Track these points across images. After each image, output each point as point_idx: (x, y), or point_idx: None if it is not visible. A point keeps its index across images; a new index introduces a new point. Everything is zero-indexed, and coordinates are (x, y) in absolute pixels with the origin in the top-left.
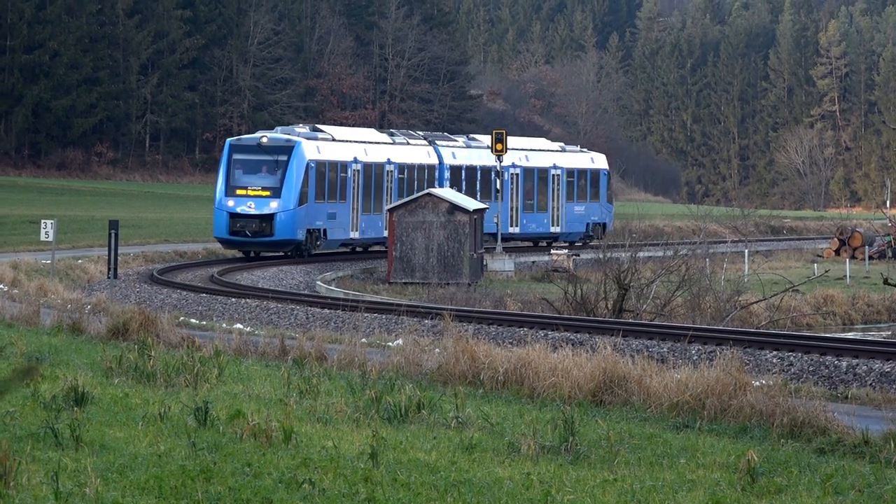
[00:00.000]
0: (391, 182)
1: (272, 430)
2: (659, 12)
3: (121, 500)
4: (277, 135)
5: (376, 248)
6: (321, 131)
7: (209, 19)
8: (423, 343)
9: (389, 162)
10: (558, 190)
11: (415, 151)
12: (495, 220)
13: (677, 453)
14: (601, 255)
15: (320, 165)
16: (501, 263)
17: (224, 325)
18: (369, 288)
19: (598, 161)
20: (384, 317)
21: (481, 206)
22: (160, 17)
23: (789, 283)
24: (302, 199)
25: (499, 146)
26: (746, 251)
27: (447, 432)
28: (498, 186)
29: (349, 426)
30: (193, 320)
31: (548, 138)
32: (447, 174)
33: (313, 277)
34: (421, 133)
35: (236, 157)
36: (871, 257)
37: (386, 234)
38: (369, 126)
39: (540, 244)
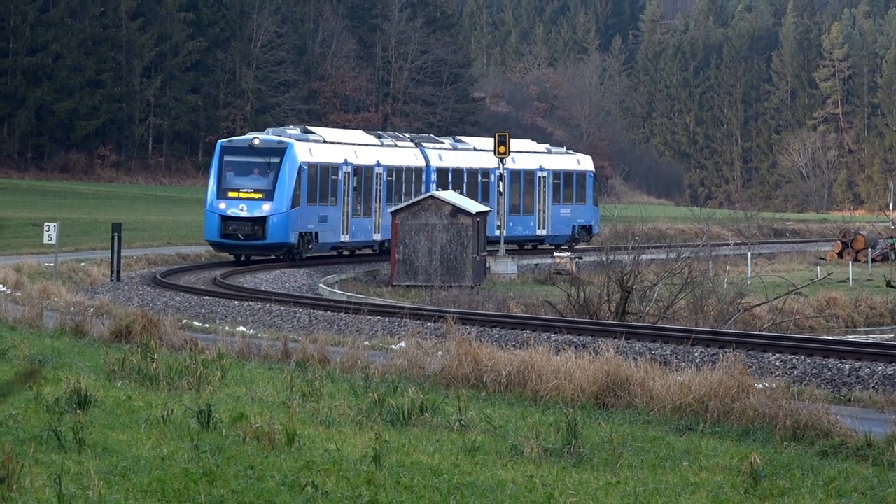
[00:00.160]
0: (380, 185)
1: (275, 432)
2: (662, 15)
3: (124, 503)
4: (269, 136)
5: (365, 251)
6: (312, 133)
7: (212, 22)
8: (425, 346)
9: (378, 164)
10: (544, 192)
11: (402, 153)
12: (498, 223)
13: (680, 456)
14: (604, 258)
15: (312, 167)
16: (504, 266)
17: (227, 327)
18: (372, 291)
19: (584, 163)
20: (387, 319)
21: (484, 208)
22: (163, 19)
23: (792, 286)
24: (295, 201)
25: (501, 149)
26: (749, 254)
27: (450, 435)
28: (500, 189)
29: (352, 429)
30: (196, 323)
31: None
32: (434, 176)
33: (316, 280)
34: (408, 135)
35: (227, 158)
36: (873, 260)
37: (375, 237)
38: (373, 129)
39: (525, 247)
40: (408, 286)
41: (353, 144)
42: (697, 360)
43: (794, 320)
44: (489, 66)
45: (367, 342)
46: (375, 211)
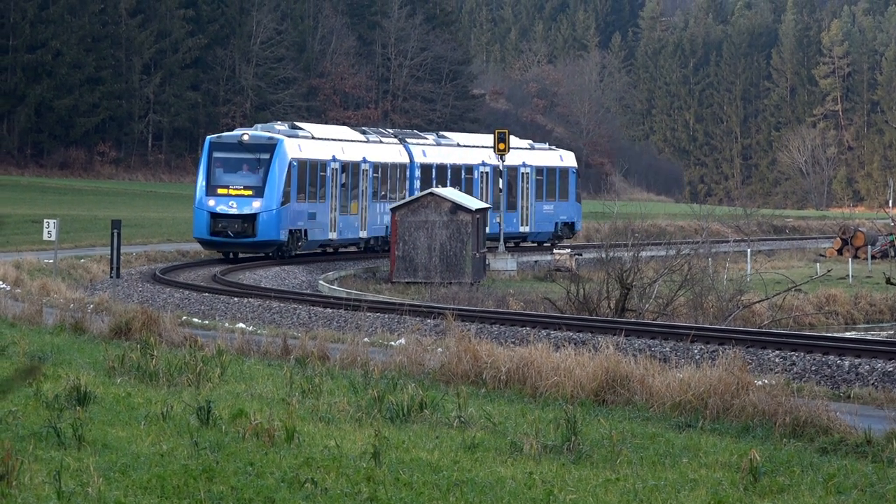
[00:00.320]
0: (366, 181)
1: (275, 429)
2: (661, 12)
3: (123, 500)
4: (259, 133)
5: (350, 248)
6: (301, 129)
7: (212, 19)
8: (425, 342)
9: (365, 161)
10: (528, 188)
11: (387, 150)
12: (497, 220)
13: (680, 453)
14: (604, 255)
15: (302, 164)
16: (504, 263)
17: (226, 324)
18: (372, 287)
19: (567, 159)
20: (387, 316)
21: (484, 205)
22: (163, 16)
23: (792, 283)
24: (285, 198)
25: (501, 146)
26: (749, 251)
27: (450, 432)
28: (501, 186)
29: (352, 425)
30: (196, 320)
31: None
32: (417, 172)
33: (315, 277)
34: (391, 131)
35: (217, 154)
36: (873, 257)
37: (361, 234)
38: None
39: (507, 244)
40: (407, 283)
41: (341, 140)
42: (697, 357)
43: (793, 317)
44: (489, 63)
45: (366, 339)
46: (362, 208)
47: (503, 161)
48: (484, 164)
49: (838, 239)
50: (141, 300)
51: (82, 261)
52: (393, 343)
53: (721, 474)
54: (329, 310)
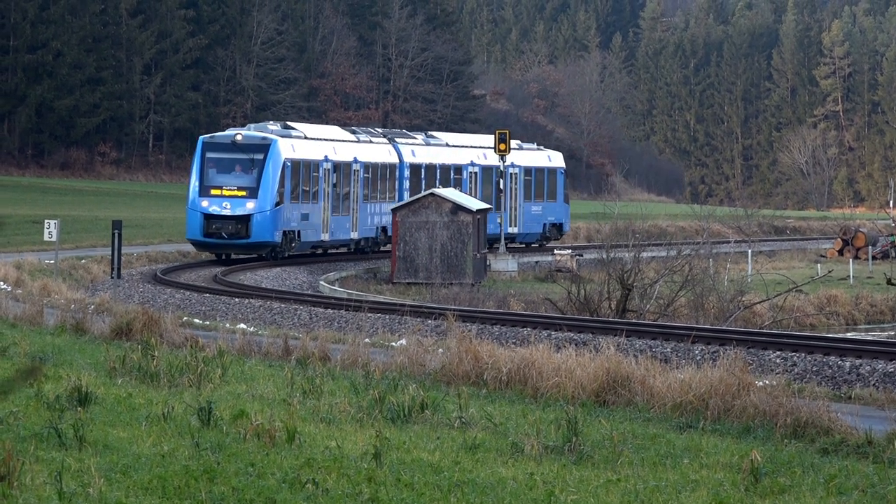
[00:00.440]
0: (357, 181)
1: (276, 430)
2: (662, 12)
3: (124, 501)
4: (252, 133)
5: (341, 249)
6: (293, 129)
7: (212, 19)
8: (426, 343)
9: (356, 161)
10: (516, 189)
11: (377, 150)
12: (499, 220)
13: (681, 453)
14: (605, 256)
15: (295, 164)
16: (505, 263)
17: (227, 325)
18: (373, 288)
19: (555, 159)
20: (388, 317)
21: (485, 206)
22: (163, 16)
23: (792, 284)
24: (279, 199)
25: (502, 146)
26: (750, 251)
27: (451, 432)
28: (501, 186)
29: (353, 426)
30: (197, 320)
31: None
32: (407, 172)
33: (316, 277)
34: (380, 130)
35: (209, 155)
36: (874, 257)
37: (352, 235)
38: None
39: (495, 245)
40: (408, 284)
41: (333, 140)
42: (698, 358)
43: (794, 318)
44: (489, 64)
45: (367, 339)
46: (354, 209)
47: (504, 162)
48: (473, 164)
49: (839, 239)
50: (142, 301)
51: (83, 261)
52: (394, 344)
53: (722, 475)
54: (330, 310)
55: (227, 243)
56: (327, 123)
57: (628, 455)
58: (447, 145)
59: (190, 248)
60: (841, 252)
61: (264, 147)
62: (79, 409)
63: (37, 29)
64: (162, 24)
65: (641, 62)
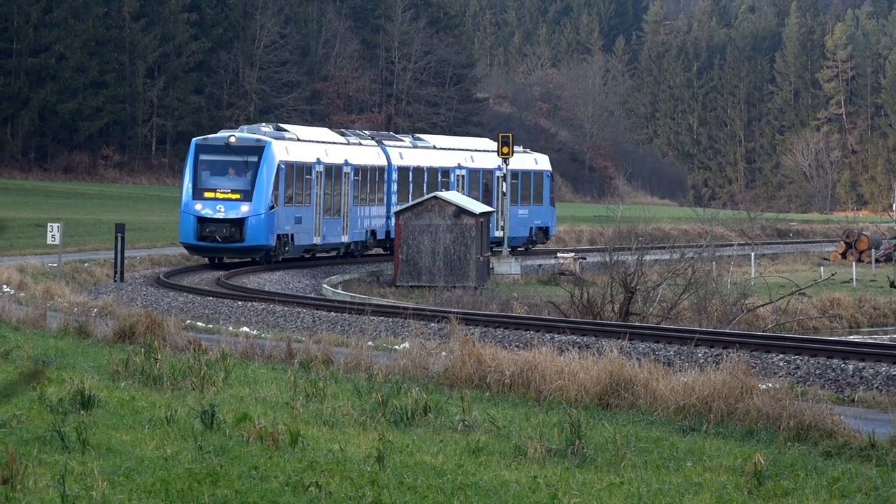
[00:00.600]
0: (348, 184)
1: (279, 433)
2: (665, 15)
3: (127, 503)
4: (246, 134)
5: (331, 253)
6: (286, 131)
7: (215, 23)
8: (429, 346)
9: (347, 163)
10: (504, 193)
11: (367, 152)
12: (501, 224)
13: (684, 456)
14: (608, 259)
15: (289, 167)
16: (508, 266)
17: (230, 328)
18: (375, 291)
19: (542, 162)
20: (390, 320)
21: (488, 209)
22: (166, 20)
23: (796, 287)
24: (273, 202)
25: (505, 150)
26: (753, 254)
27: (454, 435)
28: (504, 190)
29: (356, 429)
30: (200, 323)
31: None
32: (395, 175)
33: (319, 281)
34: (368, 132)
35: (203, 157)
36: (877, 260)
37: (343, 238)
38: (377, 129)
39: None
40: (411, 287)
41: (324, 143)
42: (701, 361)
43: (797, 321)
44: (492, 67)
45: (370, 343)
46: (344, 212)
47: (506, 165)
48: (460, 166)
49: (842, 242)
50: (145, 304)
51: (86, 264)
52: (397, 347)
53: (725, 478)
54: (333, 313)
55: (222, 247)
56: (330, 127)
57: (631, 458)
58: (434, 148)
59: None
60: (844, 255)
61: (258, 149)
62: (82, 412)
63: (40, 32)
64: (165, 28)
65: (644, 65)
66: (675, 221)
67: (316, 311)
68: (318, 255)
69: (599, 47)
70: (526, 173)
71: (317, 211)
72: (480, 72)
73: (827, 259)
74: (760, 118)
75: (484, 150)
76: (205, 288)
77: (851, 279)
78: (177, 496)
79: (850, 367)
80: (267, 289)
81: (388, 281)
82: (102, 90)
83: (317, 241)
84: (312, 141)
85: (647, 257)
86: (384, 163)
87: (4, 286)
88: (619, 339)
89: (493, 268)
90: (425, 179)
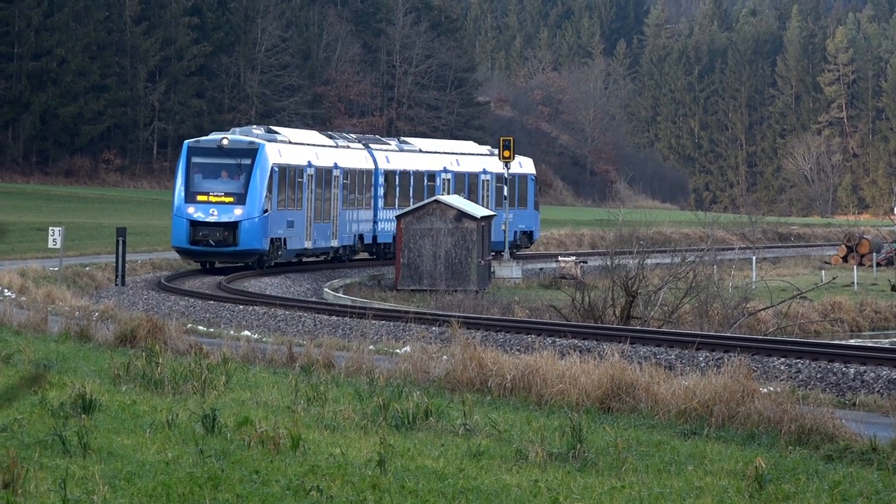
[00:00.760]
0: (337, 188)
1: (280, 437)
2: (666, 19)
3: None
4: (239, 137)
5: (322, 257)
6: (278, 133)
7: (216, 26)
8: (430, 350)
9: (336, 167)
10: (488, 196)
11: (355, 155)
12: (503, 227)
13: (685, 460)
14: (609, 262)
15: (282, 170)
16: (509, 270)
17: (232, 332)
18: (377, 295)
19: (526, 165)
20: (392, 324)
21: (489, 213)
22: (167, 24)
23: (797, 290)
24: (267, 205)
25: (506, 153)
26: (754, 258)
27: (455, 439)
28: (506, 194)
29: (357, 433)
30: (201, 327)
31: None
32: (381, 179)
33: (321, 284)
34: (354, 135)
35: (195, 160)
36: (878, 264)
37: (332, 243)
38: (377, 133)
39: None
40: (412, 290)
41: (314, 146)
42: (702, 365)
43: (798, 324)
44: (494, 71)
45: (371, 346)
46: (334, 216)
47: (508, 168)
48: (445, 170)
49: (843, 246)
50: (146, 308)
51: (87, 269)
52: (398, 351)
53: (726, 482)
54: (334, 317)
55: (215, 251)
56: (332, 130)
57: (632, 462)
58: (420, 151)
59: None
60: (845, 259)
61: (252, 152)
62: (83, 416)
63: (41, 36)
64: (166, 32)
65: (646, 69)
66: (676, 225)
67: (317, 315)
68: (304, 260)
69: (601, 51)
70: (510, 176)
71: (308, 215)
72: (482, 75)
73: (828, 263)
74: (762, 122)
75: (469, 154)
76: (206, 292)
77: (853, 283)
78: (178, 500)
79: (852, 370)
80: (268, 293)
81: (390, 285)
82: (104, 94)
83: (308, 245)
84: (303, 143)
85: (649, 261)
86: (371, 166)
87: (6, 290)
88: (620, 342)
89: (494, 271)
90: (411, 183)
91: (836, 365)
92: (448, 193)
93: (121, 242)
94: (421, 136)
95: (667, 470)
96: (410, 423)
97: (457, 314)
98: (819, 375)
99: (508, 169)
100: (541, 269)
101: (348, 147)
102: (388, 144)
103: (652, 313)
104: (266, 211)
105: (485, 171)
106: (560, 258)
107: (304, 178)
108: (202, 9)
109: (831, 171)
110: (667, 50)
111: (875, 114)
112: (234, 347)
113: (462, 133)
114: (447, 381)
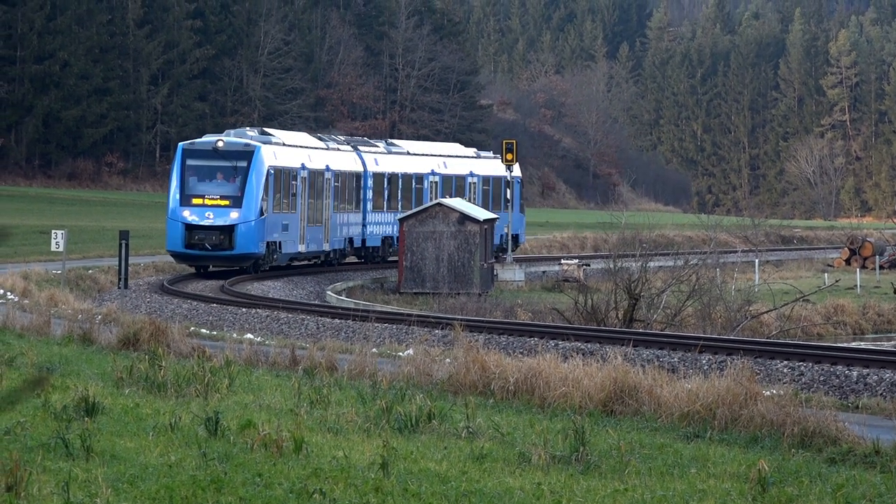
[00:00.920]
0: (329, 190)
1: (283, 440)
2: (669, 22)
3: None
4: (234, 139)
5: (314, 261)
6: (272, 135)
7: (219, 29)
8: (433, 353)
9: (328, 169)
10: (474, 199)
11: (345, 158)
12: (505, 230)
13: (688, 463)
14: (612, 265)
15: (278, 172)
16: (512, 273)
17: (234, 335)
18: (380, 298)
19: (513, 168)
20: (395, 327)
21: (492, 216)
22: (170, 27)
23: (800, 293)
24: (263, 208)
25: (509, 156)
26: (757, 261)
27: (458, 442)
28: (508, 196)
29: (360, 436)
30: (204, 330)
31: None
32: (370, 182)
33: (323, 287)
34: (343, 138)
35: (190, 162)
36: (881, 267)
37: (325, 246)
38: (380, 136)
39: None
40: (415, 293)
41: (307, 148)
42: (705, 368)
43: (801, 327)
44: (496, 74)
45: (374, 349)
46: (326, 219)
47: (511, 171)
48: (433, 172)
49: (846, 249)
50: (149, 311)
51: (90, 271)
52: (401, 354)
53: (729, 485)
54: (337, 320)
55: (211, 255)
56: (334, 134)
57: (636, 465)
58: (408, 154)
59: None
60: (848, 261)
61: (247, 154)
62: (86, 419)
63: (44, 39)
64: (169, 35)
65: (648, 72)
66: (679, 228)
67: (320, 318)
68: (294, 264)
69: (603, 54)
70: (497, 179)
71: (301, 218)
72: (484, 79)
73: (831, 265)
74: (764, 125)
75: (456, 156)
76: (209, 295)
77: (855, 286)
78: (181, 503)
79: (854, 373)
80: (271, 296)
81: (392, 288)
82: (106, 97)
83: (302, 248)
84: (297, 146)
85: (651, 264)
86: (360, 169)
87: (9, 293)
88: (623, 345)
89: (497, 274)
90: (400, 186)
91: (839, 368)
92: (436, 196)
93: (123, 245)
94: (424, 140)
95: (670, 473)
96: (413, 426)
97: (459, 317)
98: (822, 378)
99: (511, 172)
100: (543, 272)
101: (339, 149)
102: (377, 146)
103: (655, 316)
104: (262, 214)
105: (472, 174)
106: (563, 261)
107: (298, 180)
108: (205, 12)
109: (834, 174)
110: (669, 53)
111: (878, 117)
112: (236, 350)
113: (464, 136)
114: (450, 383)
